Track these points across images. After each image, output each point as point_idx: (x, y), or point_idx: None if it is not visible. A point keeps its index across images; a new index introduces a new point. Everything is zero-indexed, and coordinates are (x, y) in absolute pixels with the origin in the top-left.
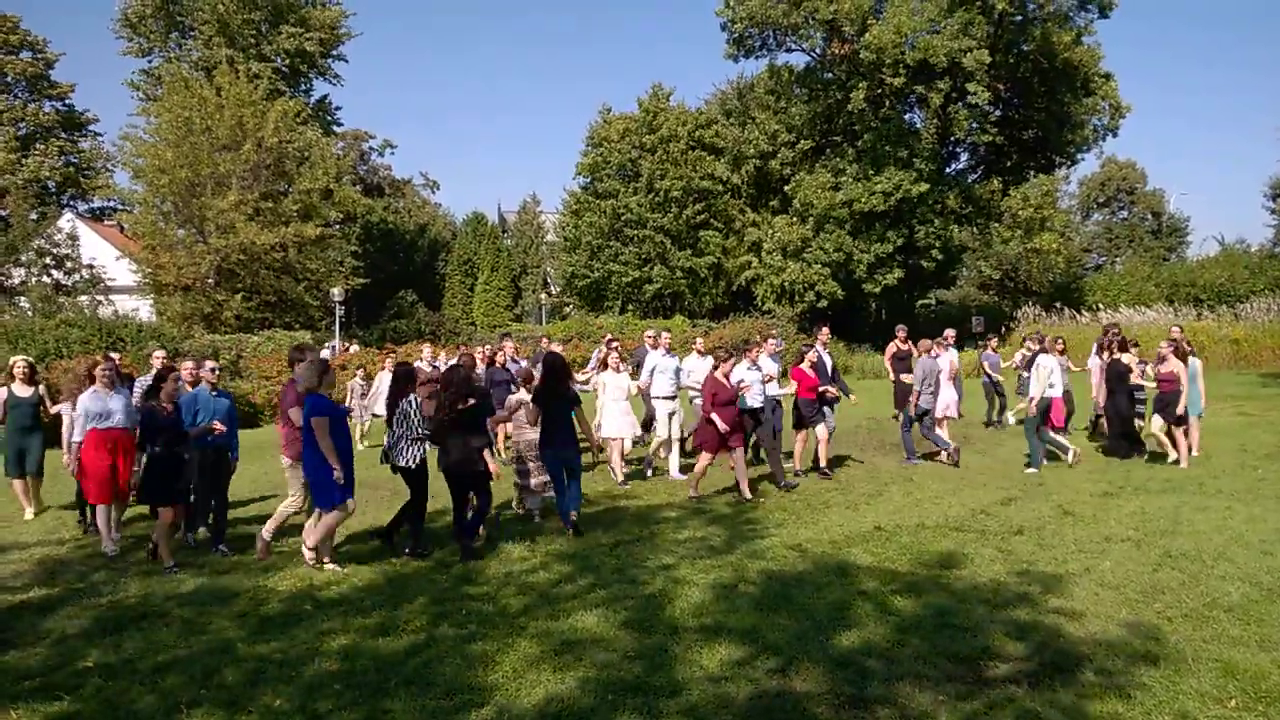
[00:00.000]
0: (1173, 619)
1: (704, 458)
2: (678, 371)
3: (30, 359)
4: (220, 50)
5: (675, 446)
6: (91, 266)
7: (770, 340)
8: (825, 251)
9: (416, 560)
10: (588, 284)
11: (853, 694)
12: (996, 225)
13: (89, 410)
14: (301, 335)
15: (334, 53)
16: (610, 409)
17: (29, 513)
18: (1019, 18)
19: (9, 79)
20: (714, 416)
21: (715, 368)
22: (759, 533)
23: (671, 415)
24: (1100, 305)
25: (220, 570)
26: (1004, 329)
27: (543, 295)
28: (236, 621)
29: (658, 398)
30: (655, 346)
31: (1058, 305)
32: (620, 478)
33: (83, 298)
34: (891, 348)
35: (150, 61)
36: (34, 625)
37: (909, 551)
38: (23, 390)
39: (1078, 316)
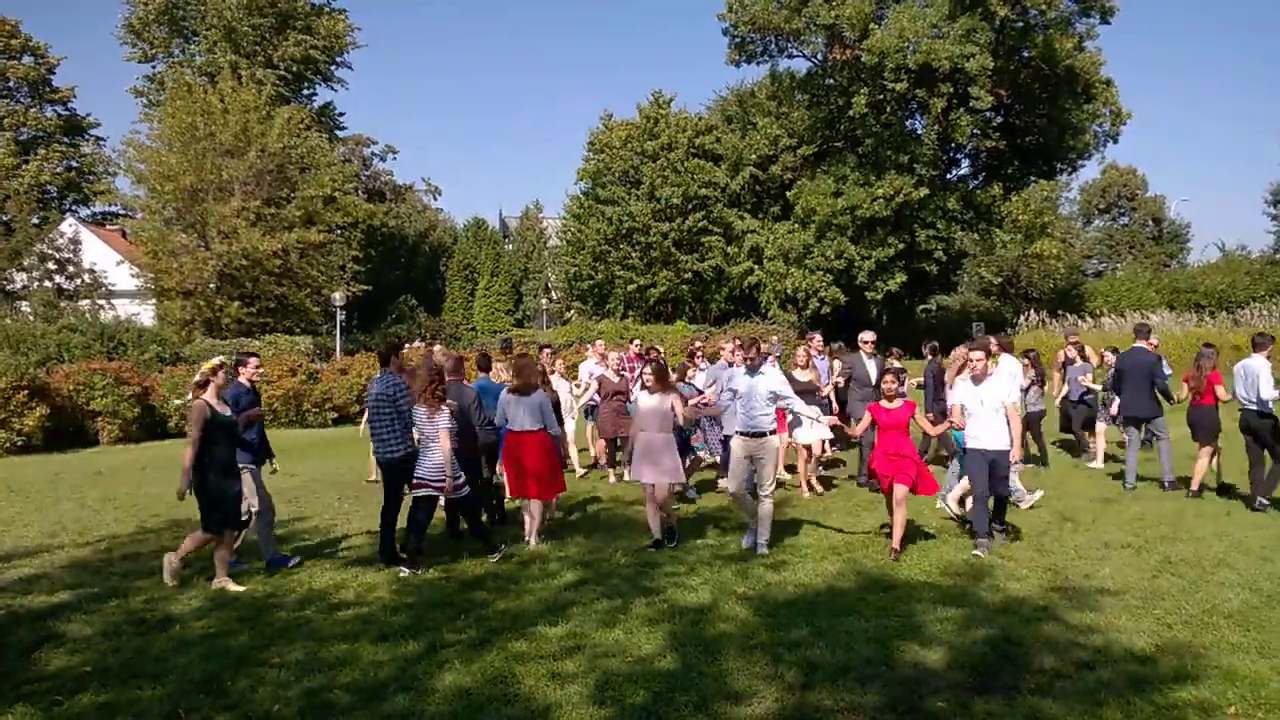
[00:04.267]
0: (1172, 625)
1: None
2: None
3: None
4: (225, 56)
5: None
6: (93, 271)
7: (772, 343)
8: (827, 258)
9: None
10: (591, 286)
11: (872, 707)
12: (997, 230)
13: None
14: (303, 340)
15: (338, 60)
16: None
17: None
18: (1020, 24)
19: (10, 83)
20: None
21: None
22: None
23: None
24: (1102, 311)
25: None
26: (1004, 335)
27: (544, 300)
28: (239, 627)
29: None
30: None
31: (1059, 311)
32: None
33: (84, 302)
34: (1060, 355)
35: (154, 67)
36: (36, 629)
37: (907, 557)
38: (225, 407)
39: (1080, 322)
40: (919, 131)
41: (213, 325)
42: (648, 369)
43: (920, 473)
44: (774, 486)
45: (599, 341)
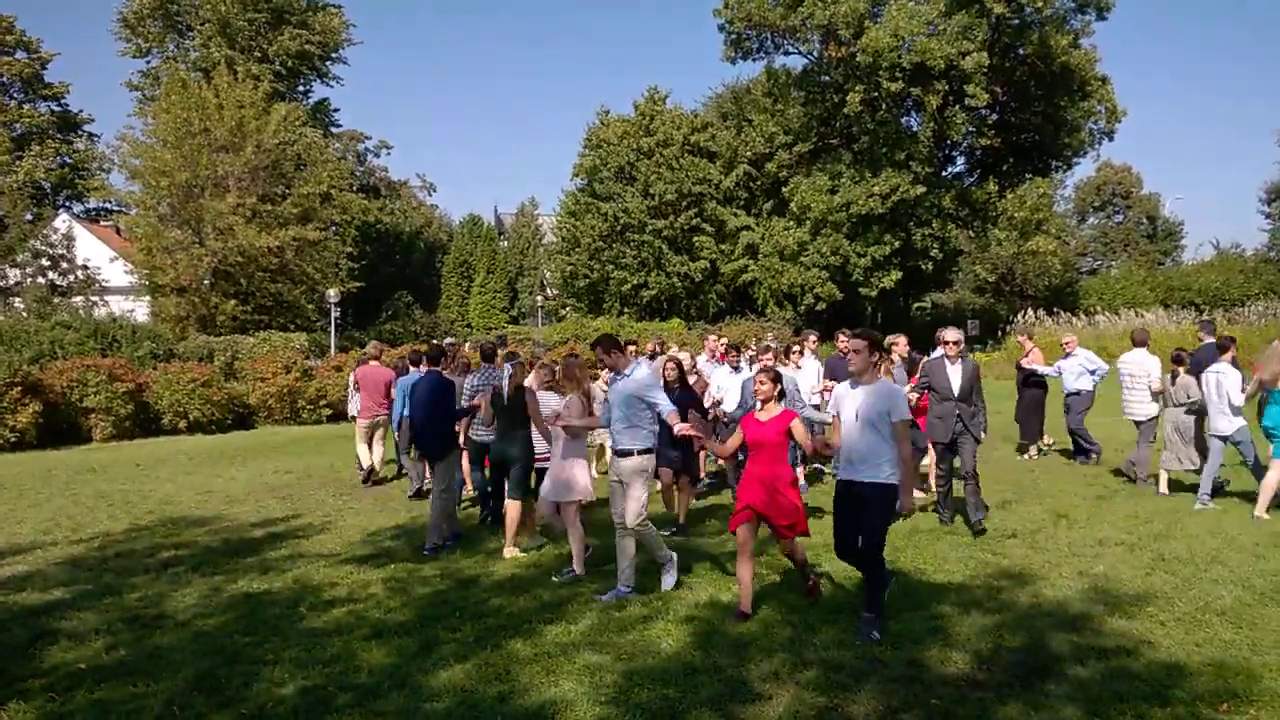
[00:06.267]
0: (1166, 623)
1: None
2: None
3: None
4: (220, 51)
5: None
6: (87, 268)
7: (765, 341)
8: (822, 255)
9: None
10: (586, 285)
11: (869, 705)
12: (992, 228)
13: None
14: (297, 337)
15: (334, 55)
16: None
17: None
18: (1016, 21)
19: (3, 79)
20: None
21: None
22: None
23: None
24: (1096, 309)
25: (219, 572)
26: (1000, 332)
27: (539, 298)
28: (234, 624)
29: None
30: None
31: (1054, 309)
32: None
33: (78, 299)
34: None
35: (148, 62)
36: (30, 627)
37: (903, 554)
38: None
39: (1074, 320)
40: (914, 129)
41: (207, 322)
42: (560, 366)
43: (798, 510)
44: (639, 518)
45: (712, 338)
